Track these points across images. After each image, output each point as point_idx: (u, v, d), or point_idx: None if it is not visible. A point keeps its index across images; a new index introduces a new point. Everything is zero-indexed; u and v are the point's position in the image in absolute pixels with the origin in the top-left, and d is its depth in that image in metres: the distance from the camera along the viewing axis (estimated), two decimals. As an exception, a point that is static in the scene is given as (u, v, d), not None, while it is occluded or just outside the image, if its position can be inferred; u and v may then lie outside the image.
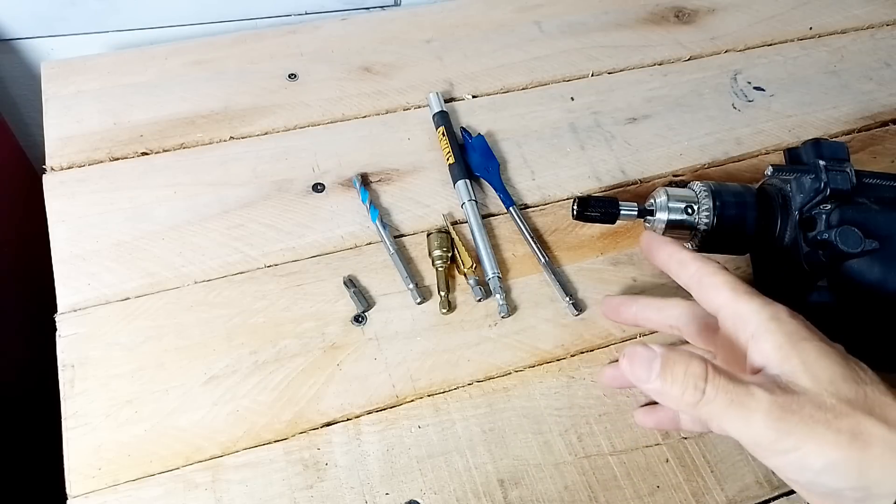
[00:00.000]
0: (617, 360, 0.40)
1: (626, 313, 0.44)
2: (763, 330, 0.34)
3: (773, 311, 0.35)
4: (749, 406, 0.31)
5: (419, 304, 0.47)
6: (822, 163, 0.43)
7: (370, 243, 0.50)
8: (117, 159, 0.53)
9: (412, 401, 0.44)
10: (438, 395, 0.44)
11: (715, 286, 0.37)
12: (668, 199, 0.46)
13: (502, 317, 0.47)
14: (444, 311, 0.47)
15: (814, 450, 0.31)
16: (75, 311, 0.45)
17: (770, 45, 0.67)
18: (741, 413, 0.32)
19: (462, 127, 0.57)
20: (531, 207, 0.53)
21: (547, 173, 0.55)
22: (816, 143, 0.45)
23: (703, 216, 0.45)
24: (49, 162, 0.52)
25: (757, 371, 0.34)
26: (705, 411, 0.32)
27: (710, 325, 0.39)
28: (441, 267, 0.48)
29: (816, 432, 0.31)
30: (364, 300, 0.47)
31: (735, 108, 0.62)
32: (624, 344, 0.47)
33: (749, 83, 0.64)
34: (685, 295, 0.40)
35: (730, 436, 0.33)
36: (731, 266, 0.51)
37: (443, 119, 0.56)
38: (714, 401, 0.32)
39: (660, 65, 0.64)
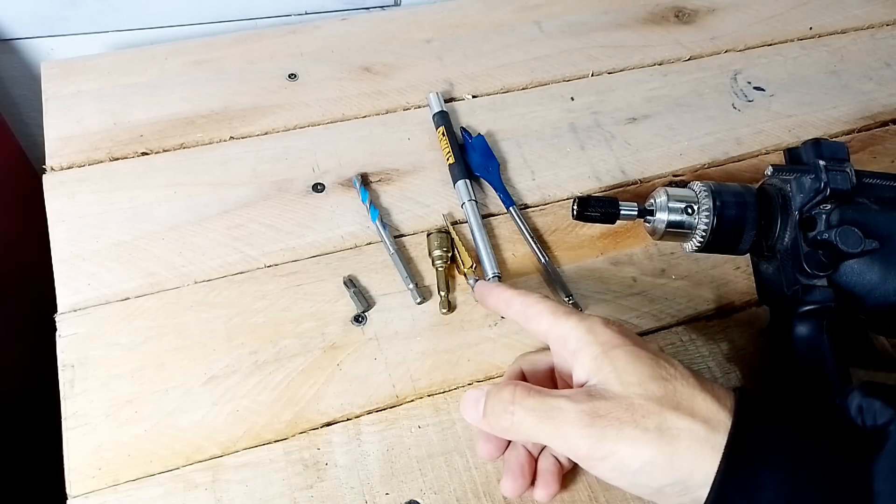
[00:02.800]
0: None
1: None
2: (581, 343, 0.35)
3: (589, 324, 0.36)
4: (557, 418, 0.33)
5: (419, 304, 0.47)
6: (822, 163, 0.43)
7: (370, 243, 0.50)
8: (117, 159, 0.53)
9: (412, 401, 0.44)
10: (438, 395, 0.44)
11: (538, 314, 0.38)
12: (668, 199, 0.46)
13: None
14: (444, 311, 0.47)
15: (627, 451, 0.32)
16: (75, 311, 0.45)
17: (770, 45, 0.67)
18: (553, 427, 0.33)
19: (462, 127, 0.57)
20: (531, 207, 0.53)
21: (547, 173, 0.55)
22: (816, 143, 0.45)
23: (703, 216, 0.45)
24: (49, 162, 0.52)
25: (583, 380, 0.35)
26: (522, 432, 0.34)
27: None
28: (441, 267, 0.48)
29: (626, 433, 0.32)
30: (364, 300, 0.47)
31: (735, 108, 0.62)
32: (624, 344, 0.47)
33: (749, 83, 0.64)
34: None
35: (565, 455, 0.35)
36: (730, 266, 0.51)
37: (443, 119, 0.56)
38: (525, 421, 0.34)
39: (660, 65, 0.64)
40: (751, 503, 0.30)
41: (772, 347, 0.45)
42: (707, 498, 0.31)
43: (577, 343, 0.36)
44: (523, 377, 0.41)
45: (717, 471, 0.31)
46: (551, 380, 0.40)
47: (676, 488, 0.32)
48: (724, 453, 0.31)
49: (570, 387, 0.37)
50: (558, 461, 0.39)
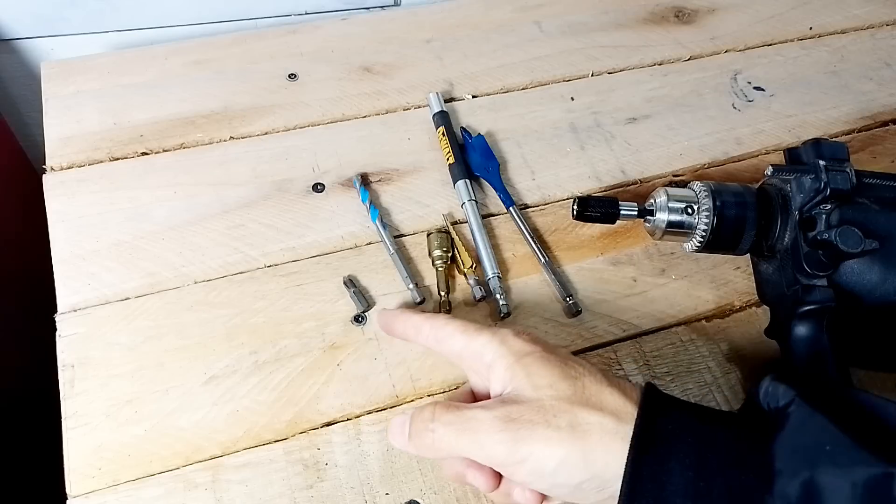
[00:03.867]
0: None
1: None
2: (496, 356, 0.36)
3: (501, 337, 0.37)
4: (473, 428, 0.34)
5: (419, 304, 0.47)
6: (822, 163, 0.43)
7: (370, 243, 0.50)
8: (117, 159, 0.53)
9: (412, 401, 0.44)
10: (438, 395, 0.44)
11: (449, 336, 0.38)
12: (668, 199, 0.46)
13: (502, 317, 0.47)
14: (444, 311, 0.47)
15: (542, 451, 0.32)
16: (75, 311, 0.45)
17: (770, 45, 0.67)
18: (470, 438, 0.34)
19: (462, 127, 0.57)
20: (531, 207, 0.53)
21: (547, 173, 0.55)
22: (816, 143, 0.45)
23: (703, 216, 0.45)
24: (49, 162, 0.52)
25: (499, 391, 0.36)
26: (444, 448, 0.35)
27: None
28: (441, 267, 0.48)
29: (539, 434, 0.32)
30: (364, 300, 0.47)
31: (735, 108, 0.62)
32: (624, 344, 0.47)
33: (749, 83, 0.64)
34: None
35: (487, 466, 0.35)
36: (730, 266, 0.51)
37: (443, 119, 0.56)
38: (445, 436, 0.34)
39: (660, 65, 0.64)
40: (660, 490, 0.31)
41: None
42: (620, 489, 0.31)
43: (491, 356, 0.36)
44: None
45: (627, 461, 0.31)
46: (472, 399, 0.40)
47: (594, 483, 0.32)
48: (630, 444, 0.32)
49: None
50: None
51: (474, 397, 0.40)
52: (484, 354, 0.37)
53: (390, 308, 0.45)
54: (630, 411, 0.33)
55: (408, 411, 0.37)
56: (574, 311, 0.48)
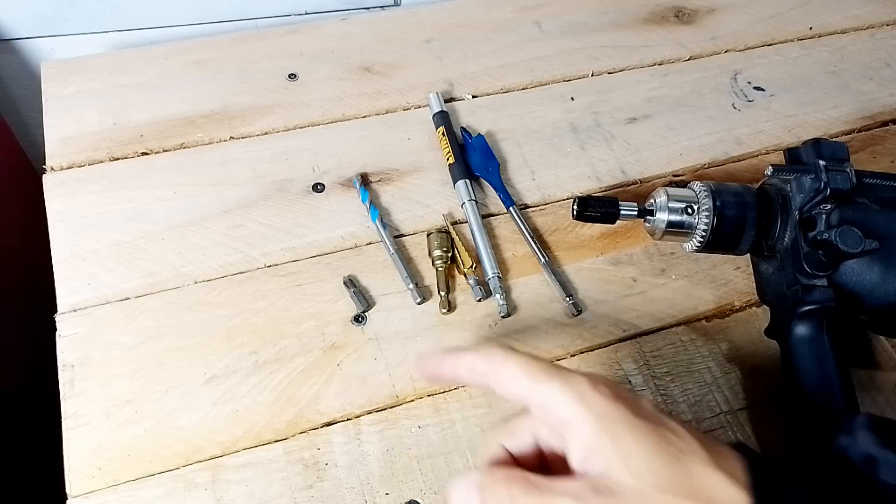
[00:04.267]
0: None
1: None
2: (575, 417, 0.31)
3: (577, 389, 0.31)
4: None
5: (419, 304, 0.47)
6: (822, 163, 0.43)
7: (370, 243, 0.50)
8: (117, 159, 0.53)
9: (412, 401, 0.44)
10: (438, 395, 0.44)
11: (511, 379, 0.33)
12: (668, 199, 0.46)
13: (502, 317, 0.47)
14: (444, 311, 0.47)
15: None
16: (75, 311, 0.45)
17: (770, 45, 0.67)
18: None
19: (462, 127, 0.57)
20: (531, 207, 0.53)
21: (547, 173, 0.55)
22: (816, 143, 0.45)
23: (703, 216, 0.45)
24: (49, 162, 0.52)
25: (581, 460, 0.31)
26: None
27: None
28: (441, 267, 0.48)
29: None
30: (364, 300, 0.47)
31: (735, 108, 0.62)
32: (624, 344, 0.47)
33: (749, 83, 0.64)
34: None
35: None
36: (730, 266, 0.51)
37: (443, 119, 0.56)
38: None
39: (660, 65, 0.64)
40: None
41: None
42: None
43: (569, 414, 0.31)
44: (507, 454, 0.35)
45: None
46: (539, 456, 0.35)
47: None
48: None
49: (561, 459, 0.32)
50: None
51: (508, 454, 0.34)
52: (557, 410, 0.31)
53: (429, 354, 0.36)
54: (742, 502, 0.29)
55: (462, 472, 0.33)
56: (574, 311, 0.48)
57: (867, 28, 0.70)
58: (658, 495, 0.29)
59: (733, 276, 0.51)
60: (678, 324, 0.48)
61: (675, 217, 0.46)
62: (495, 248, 0.50)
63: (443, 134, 0.55)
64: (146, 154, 0.53)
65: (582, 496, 0.29)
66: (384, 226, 0.50)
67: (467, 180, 0.52)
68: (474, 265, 0.49)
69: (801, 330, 0.42)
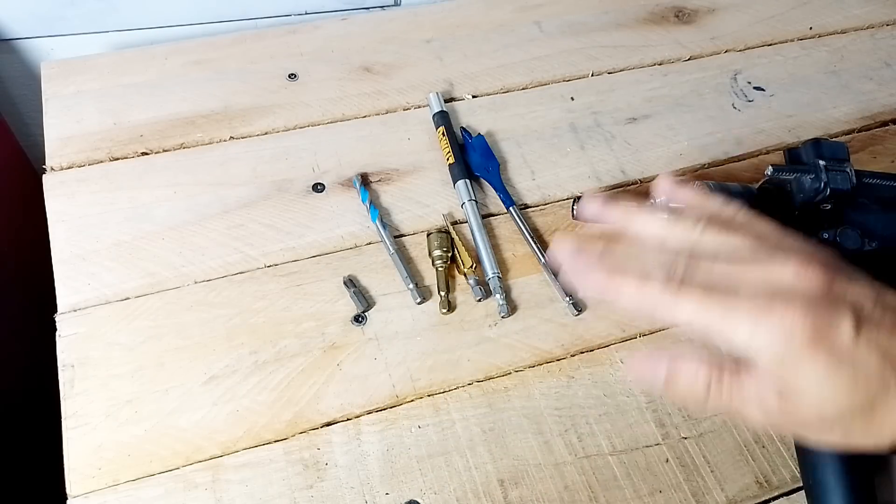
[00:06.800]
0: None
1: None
2: (764, 359, 0.32)
3: (778, 336, 0.31)
4: (747, 416, 0.32)
5: (419, 304, 0.47)
6: (822, 163, 0.43)
7: (370, 243, 0.50)
8: (117, 159, 0.53)
9: (412, 401, 0.44)
10: (438, 395, 0.44)
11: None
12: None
13: (502, 317, 0.47)
14: (444, 311, 0.47)
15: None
16: (75, 311, 0.45)
17: (770, 45, 0.67)
18: (741, 417, 0.32)
19: (462, 127, 0.57)
20: (531, 207, 0.53)
21: (547, 173, 0.55)
22: (816, 143, 0.45)
23: (703, 216, 0.44)
24: (49, 162, 0.52)
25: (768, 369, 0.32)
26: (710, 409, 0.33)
27: None
28: (441, 267, 0.48)
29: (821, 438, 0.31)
30: (364, 300, 0.47)
31: (735, 108, 0.62)
32: (624, 344, 0.47)
33: (749, 83, 0.64)
34: None
35: None
36: (731, 266, 0.51)
37: (443, 119, 0.56)
38: (716, 407, 0.33)
39: (660, 65, 0.64)
40: None
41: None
42: None
43: (759, 356, 0.31)
44: None
45: None
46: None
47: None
48: None
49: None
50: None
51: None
52: (747, 349, 0.31)
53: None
54: None
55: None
56: (574, 311, 0.48)
57: (867, 28, 0.70)
58: (839, 420, 0.30)
59: (733, 276, 0.51)
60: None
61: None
62: (495, 248, 0.50)
63: (443, 134, 0.55)
64: (146, 154, 0.54)
65: (767, 408, 0.31)
66: (384, 226, 0.50)
67: (467, 180, 0.52)
68: (474, 265, 0.49)
69: (801, 330, 0.42)
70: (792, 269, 0.32)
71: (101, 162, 0.53)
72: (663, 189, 0.39)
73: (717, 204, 0.36)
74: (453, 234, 0.50)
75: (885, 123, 0.62)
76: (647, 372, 0.34)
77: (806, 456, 0.41)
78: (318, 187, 0.53)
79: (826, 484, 0.39)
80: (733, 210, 0.36)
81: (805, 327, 0.31)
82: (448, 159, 0.54)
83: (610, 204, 0.38)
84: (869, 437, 0.31)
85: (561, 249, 0.35)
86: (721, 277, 0.33)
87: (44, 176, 0.52)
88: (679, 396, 0.34)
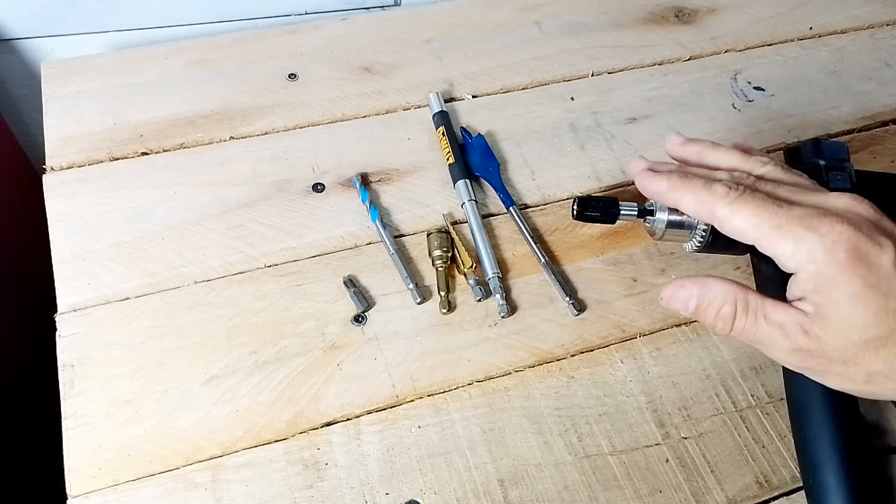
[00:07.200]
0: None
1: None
2: (802, 270, 0.34)
3: (818, 251, 0.33)
4: (772, 345, 0.34)
5: (419, 304, 0.47)
6: (822, 163, 0.43)
7: (370, 243, 0.50)
8: (117, 159, 0.53)
9: (412, 401, 0.44)
10: (438, 395, 0.44)
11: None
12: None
13: (502, 317, 0.47)
14: (444, 311, 0.47)
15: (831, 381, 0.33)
16: (75, 311, 0.45)
17: (770, 45, 0.67)
18: (765, 348, 0.34)
19: (462, 127, 0.57)
20: (531, 207, 0.53)
21: (547, 173, 0.55)
22: (816, 143, 0.45)
23: (703, 216, 0.44)
24: (49, 162, 0.52)
25: (796, 297, 0.34)
26: (735, 337, 0.35)
27: None
28: (441, 267, 0.48)
29: (833, 380, 0.33)
30: (364, 300, 0.47)
31: (735, 108, 0.62)
32: (624, 344, 0.47)
33: (749, 83, 0.64)
34: None
35: None
36: (730, 266, 0.51)
37: (443, 119, 0.56)
38: (740, 335, 0.35)
39: (660, 65, 0.64)
40: None
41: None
42: None
43: (798, 267, 0.33)
44: None
45: None
46: None
47: None
48: None
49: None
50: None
51: None
52: (789, 262, 0.33)
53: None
54: None
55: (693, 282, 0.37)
56: (574, 311, 0.48)
57: (867, 28, 0.70)
58: (861, 351, 0.31)
59: (733, 276, 0.51)
60: (678, 324, 0.48)
61: (675, 217, 0.45)
62: (495, 248, 0.50)
63: (443, 134, 0.55)
64: (146, 154, 0.54)
65: (791, 333, 0.33)
66: (384, 226, 0.50)
67: (467, 180, 0.52)
68: (474, 265, 0.49)
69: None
70: (847, 198, 0.34)
71: (101, 162, 0.53)
72: (703, 152, 0.42)
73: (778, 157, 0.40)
74: (453, 234, 0.50)
75: (885, 123, 0.62)
76: (678, 298, 0.36)
77: (806, 456, 0.41)
78: (318, 187, 0.53)
79: (826, 484, 0.39)
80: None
81: (848, 245, 0.32)
82: (448, 159, 0.54)
83: (690, 141, 0.42)
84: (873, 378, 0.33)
85: (636, 164, 0.39)
86: (782, 194, 0.35)
87: (44, 176, 0.52)
88: (708, 322, 0.36)
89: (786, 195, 0.35)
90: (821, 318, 0.32)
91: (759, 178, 0.37)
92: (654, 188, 0.37)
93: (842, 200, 0.34)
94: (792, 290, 0.34)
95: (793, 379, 0.41)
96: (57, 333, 0.44)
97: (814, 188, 0.36)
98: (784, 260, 0.33)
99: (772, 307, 0.34)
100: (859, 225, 0.32)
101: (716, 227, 0.36)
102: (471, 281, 0.48)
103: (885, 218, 0.34)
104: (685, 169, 0.39)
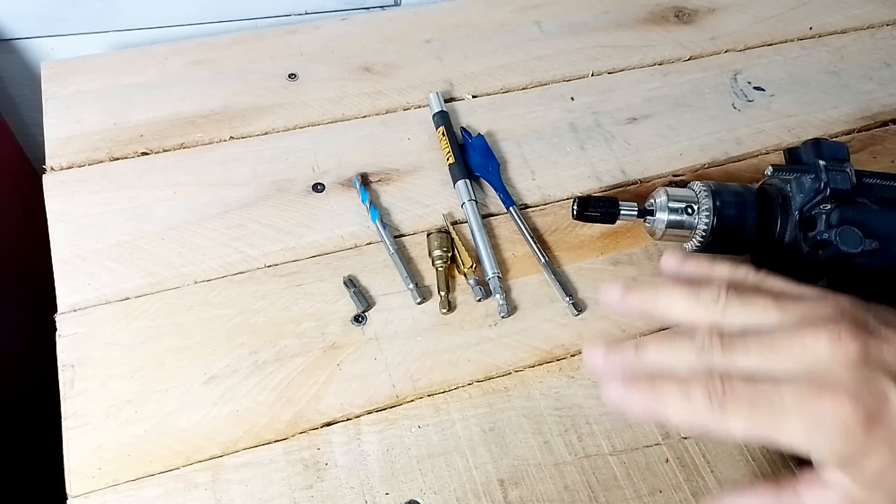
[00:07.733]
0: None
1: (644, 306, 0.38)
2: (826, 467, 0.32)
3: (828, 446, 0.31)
4: None
5: (419, 304, 0.47)
6: (822, 163, 0.43)
7: (370, 243, 0.50)
8: (117, 159, 0.53)
9: (412, 401, 0.44)
10: (438, 395, 0.44)
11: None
12: (668, 199, 0.46)
13: (502, 317, 0.47)
14: (444, 311, 0.47)
15: None
16: (75, 311, 0.45)
17: (770, 45, 0.67)
18: None
19: (462, 127, 0.57)
20: (531, 207, 0.53)
21: (547, 173, 0.55)
22: (816, 143, 0.45)
23: (703, 216, 0.45)
24: (49, 162, 0.52)
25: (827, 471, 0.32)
26: None
27: None
28: (441, 267, 0.48)
29: None
30: (364, 300, 0.47)
31: (735, 108, 0.62)
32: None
33: (749, 83, 0.64)
34: None
35: None
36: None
37: (443, 119, 0.56)
38: None
39: (660, 65, 0.64)
40: None
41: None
42: None
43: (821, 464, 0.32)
44: None
45: None
46: None
47: None
48: None
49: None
50: None
51: None
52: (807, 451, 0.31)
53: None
54: None
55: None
56: (574, 311, 0.48)
57: (867, 28, 0.70)
58: None
59: (733, 276, 0.51)
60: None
61: (675, 217, 0.46)
62: (495, 248, 0.50)
63: (443, 134, 0.55)
64: (146, 154, 0.54)
65: None
66: (384, 226, 0.50)
67: (467, 180, 0.52)
68: (474, 265, 0.49)
69: (801, 330, 0.42)
70: (825, 343, 0.31)
71: (101, 162, 0.53)
72: (670, 267, 0.40)
73: (725, 270, 0.37)
74: (453, 234, 0.50)
75: (885, 123, 0.62)
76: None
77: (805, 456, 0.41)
78: (318, 187, 0.53)
79: None
80: (743, 272, 0.36)
81: (857, 416, 0.30)
82: (448, 159, 0.54)
83: (629, 290, 0.38)
84: None
85: (593, 358, 0.35)
86: (762, 371, 0.32)
87: (44, 176, 0.52)
88: None
89: (763, 362, 0.32)
90: (866, 489, 0.31)
91: (727, 341, 0.33)
92: (636, 409, 0.33)
93: (822, 347, 0.31)
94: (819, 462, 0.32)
95: None
96: (57, 333, 0.44)
97: (780, 321, 0.33)
98: (802, 451, 0.31)
99: (806, 491, 0.32)
100: (854, 381, 0.30)
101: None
102: (471, 281, 0.48)
103: (870, 336, 0.31)
104: (642, 361, 0.35)
